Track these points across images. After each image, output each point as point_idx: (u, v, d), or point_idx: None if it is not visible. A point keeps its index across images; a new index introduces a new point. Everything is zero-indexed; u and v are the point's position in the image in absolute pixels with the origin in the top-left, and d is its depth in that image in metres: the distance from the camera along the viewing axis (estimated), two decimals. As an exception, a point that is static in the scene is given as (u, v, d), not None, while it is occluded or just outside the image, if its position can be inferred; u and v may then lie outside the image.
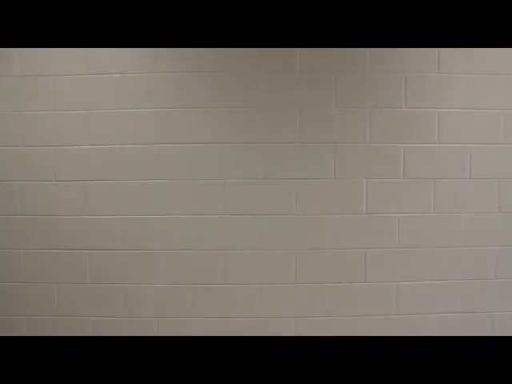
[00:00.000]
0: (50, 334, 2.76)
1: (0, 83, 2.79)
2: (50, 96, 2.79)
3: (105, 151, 2.79)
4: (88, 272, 2.83)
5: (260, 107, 2.77)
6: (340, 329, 2.82)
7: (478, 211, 2.82)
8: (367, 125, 2.79)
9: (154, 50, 2.74)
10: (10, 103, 2.80)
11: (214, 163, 2.78)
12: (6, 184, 2.82)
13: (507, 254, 2.84)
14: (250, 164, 2.78)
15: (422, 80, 2.79)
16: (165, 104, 2.77)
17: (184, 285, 2.83)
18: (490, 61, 2.77)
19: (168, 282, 2.83)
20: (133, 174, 2.79)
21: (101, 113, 2.78)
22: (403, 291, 2.84)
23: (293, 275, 2.82)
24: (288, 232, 2.80)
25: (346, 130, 2.79)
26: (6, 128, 2.80)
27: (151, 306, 2.83)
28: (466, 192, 2.80)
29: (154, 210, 2.80)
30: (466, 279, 2.84)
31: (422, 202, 2.81)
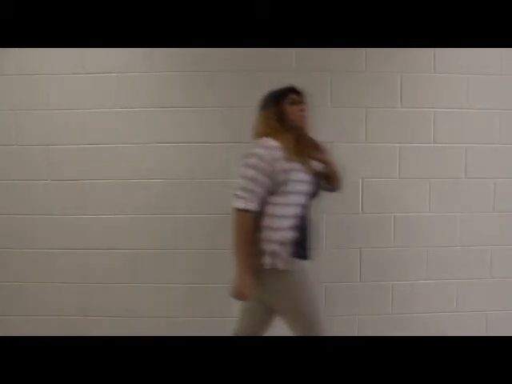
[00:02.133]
0: (49, 334, 2.76)
1: (-5, 82, 2.80)
2: (45, 95, 2.78)
3: (101, 150, 2.78)
4: (86, 272, 2.83)
5: (255, 107, 2.77)
6: (336, 328, 2.81)
7: (473, 211, 2.83)
8: (363, 124, 2.80)
9: (150, 49, 2.73)
10: (4, 102, 2.79)
11: (212, 163, 2.78)
12: (1, 183, 2.81)
13: (502, 254, 2.86)
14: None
15: (417, 80, 2.81)
16: (161, 103, 2.77)
17: (184, 285, 2.83)
18: (485, 61, 2.79)
19: (168, 282, 2.83)
20: (129, 174, 2.79)
21: (97, 112, 2.78)
22: (398, 291, 2.85)
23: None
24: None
25: (342, 130, 2.80)
26: (1, 127, 2.80)
27: (151, 306, 2.84)
28: (461, 192, 2.82)
29: (153, 210, 2.80)
30: (461, 279, 2.86)
31: (418, 202, 2.82)
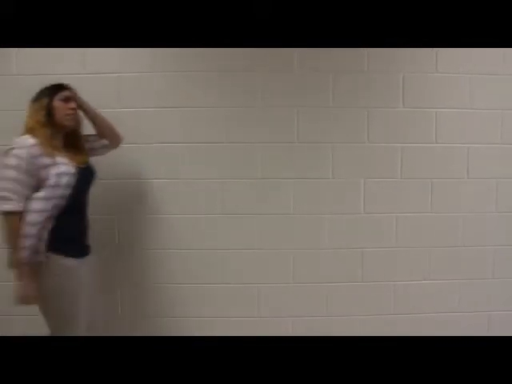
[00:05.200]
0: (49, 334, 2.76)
1: (-3, 82, 2.80)
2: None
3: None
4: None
5: (258, 107, 2.77)
6: (337, 329, 2.82)
7: (475, 211, 2.82)
8: (365, 125, 2.79)
9: (151, 49, 2.73)
10: (7, 102, 2.79)
11: (213, 163, 2.78)
12: (4, 183, 2.81)
13: (504, 254, 2.84)
14: (248, 164, 2.78)
15: (419, 80, 2.80)
16: (162, 104, 2.77)
17: (184, 284, 2.82)
18: (487, 61, 2.78)
19: (168, 282, 2.82)
20: (131, 174, 2.79)
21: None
22: (400, 291, 2.84)
23: (290, 275, 2.82)
24: (286, 232, 2.80)
25: (343, 130, 2.79)
26: (3, 127, 2.79)
27: (151, 306, 2.83)
28: (463, 192, 2.81)
29: (153, 210, 2.80)
30: (463, 279, 2.85)
31: (420, 202, 2.81)
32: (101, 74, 2.76)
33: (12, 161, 2.01)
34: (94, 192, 2.38)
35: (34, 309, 2.81)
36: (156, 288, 2.84)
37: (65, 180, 2.07)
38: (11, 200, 1.98)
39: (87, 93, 2.75)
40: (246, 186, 2.78)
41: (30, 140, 2.05)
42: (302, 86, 2.77)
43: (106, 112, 2.75)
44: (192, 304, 2.83)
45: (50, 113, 2.14)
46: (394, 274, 2.83)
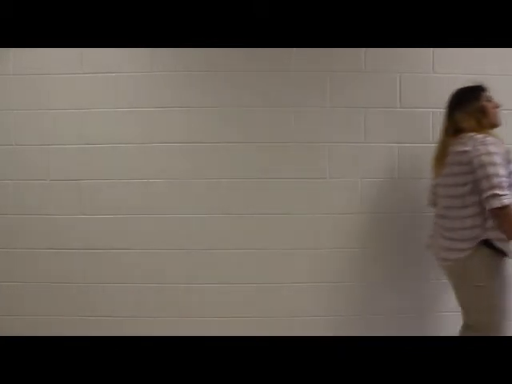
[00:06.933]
0: (49, 334, 2.75)
1: (-6, 82, 2.79)
2: (44, 95, 2.78)
3: (100, 150, 2.78)
4: (84, 272, 2.82)
5: (256, 107, 2.78)
6: (338, 329, 2.82)
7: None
8: (362, 125, 2.80)
9: (149, 49, 2.73)
10: (3, 102, 2.78)
11: (212, 163, 2.78)
12: (0, 183, 2.80)
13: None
14: (247, 164, 2.78)
15: (416, 80, 2.81)
16: (160, 104, 2.77)
17: (184, 284, 2.82)
18: (485, 61, 2.79)
19: (168, 282, 2.82)
20: (128, 174, 2.78)
21: (96, 112, 2.77)
22: (399, 290, 2.84)
23: (291, 275, 2.82)
24: (285, 232, 2.80)
25: (340, 130, 2.80)
26: (0, 127, 2.79)
27: (151, 306, 2.83)
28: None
29: (152, 210, 2.80)
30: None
31: (417, 202, 2.82)
32: (98, 73, 2.76)
33: (495, 158, 2.06)
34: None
35: (34, 309, 2.83)
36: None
37: None
38: (505, 195, 2.02)
39: (84, 92, 2.77)
40: (245, 185, 2.78)
41: (492, 138, 2.12)
42: (299, 85, 2.78)
43: (103, 112, 2.77)
44: (192, 304, 2.83)
45: (483, 114, 2.23)
46: (392, 274, 2.84)
